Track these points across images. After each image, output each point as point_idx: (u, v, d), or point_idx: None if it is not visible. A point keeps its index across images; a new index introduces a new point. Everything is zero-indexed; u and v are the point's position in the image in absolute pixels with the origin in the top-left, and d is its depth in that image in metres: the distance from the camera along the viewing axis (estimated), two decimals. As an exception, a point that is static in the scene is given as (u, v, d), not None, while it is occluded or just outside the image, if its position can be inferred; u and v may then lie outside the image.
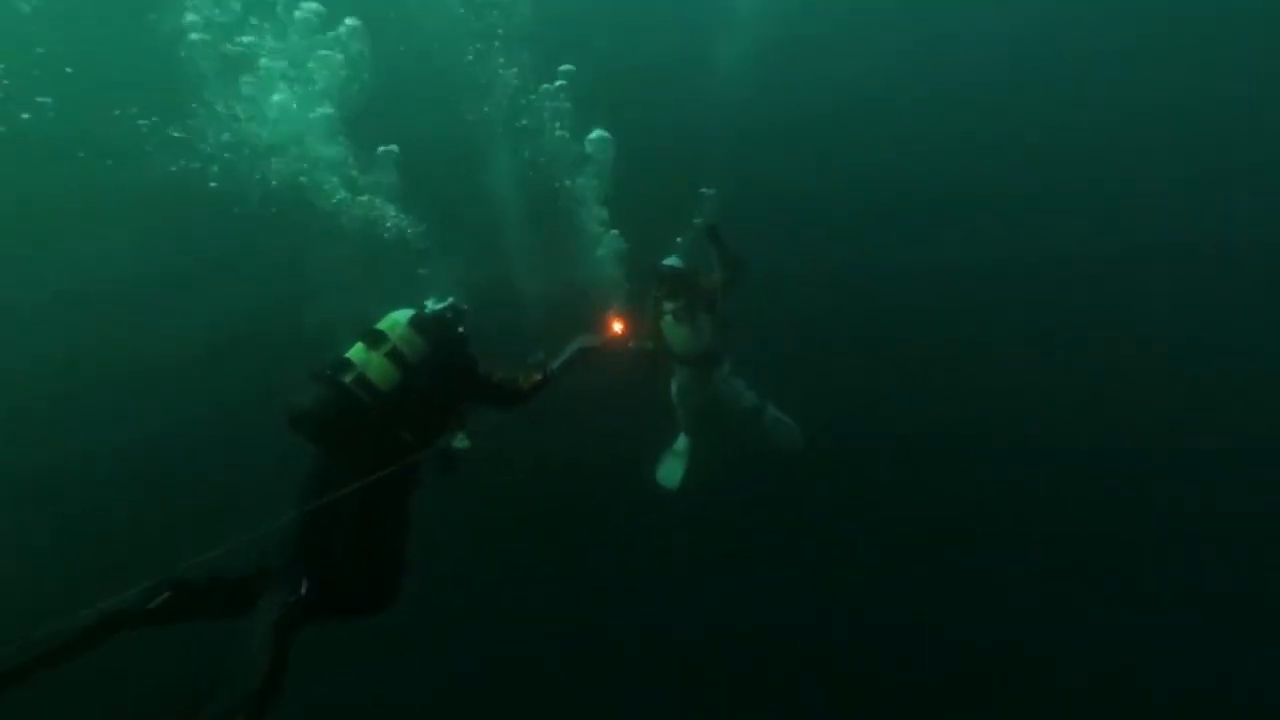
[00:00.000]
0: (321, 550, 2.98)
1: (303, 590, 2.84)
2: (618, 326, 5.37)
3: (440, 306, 3.53)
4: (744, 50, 8.59)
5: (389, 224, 6.49)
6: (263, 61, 5.59)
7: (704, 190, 6.16)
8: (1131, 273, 8.53)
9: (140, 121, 7.71)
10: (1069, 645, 6.01)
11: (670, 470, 6.02)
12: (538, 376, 3.90)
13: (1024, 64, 10.16)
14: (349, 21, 5.74)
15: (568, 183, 6.21)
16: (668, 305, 5.48)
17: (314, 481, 3.00)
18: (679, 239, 5.98)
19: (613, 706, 6.22)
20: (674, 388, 6.00)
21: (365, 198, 6.09)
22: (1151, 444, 7.10)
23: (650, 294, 5.57)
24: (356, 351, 3.16)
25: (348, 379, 3.04)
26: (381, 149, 5.71)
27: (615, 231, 6.01)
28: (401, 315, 3.30)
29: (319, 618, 2.90)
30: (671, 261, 5.56)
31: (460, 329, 3.54)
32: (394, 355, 3.14)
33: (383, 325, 3.26)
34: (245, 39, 5.69)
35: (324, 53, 5.72)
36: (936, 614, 6.36)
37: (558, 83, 6.53)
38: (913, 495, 7.20)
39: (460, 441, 3.46)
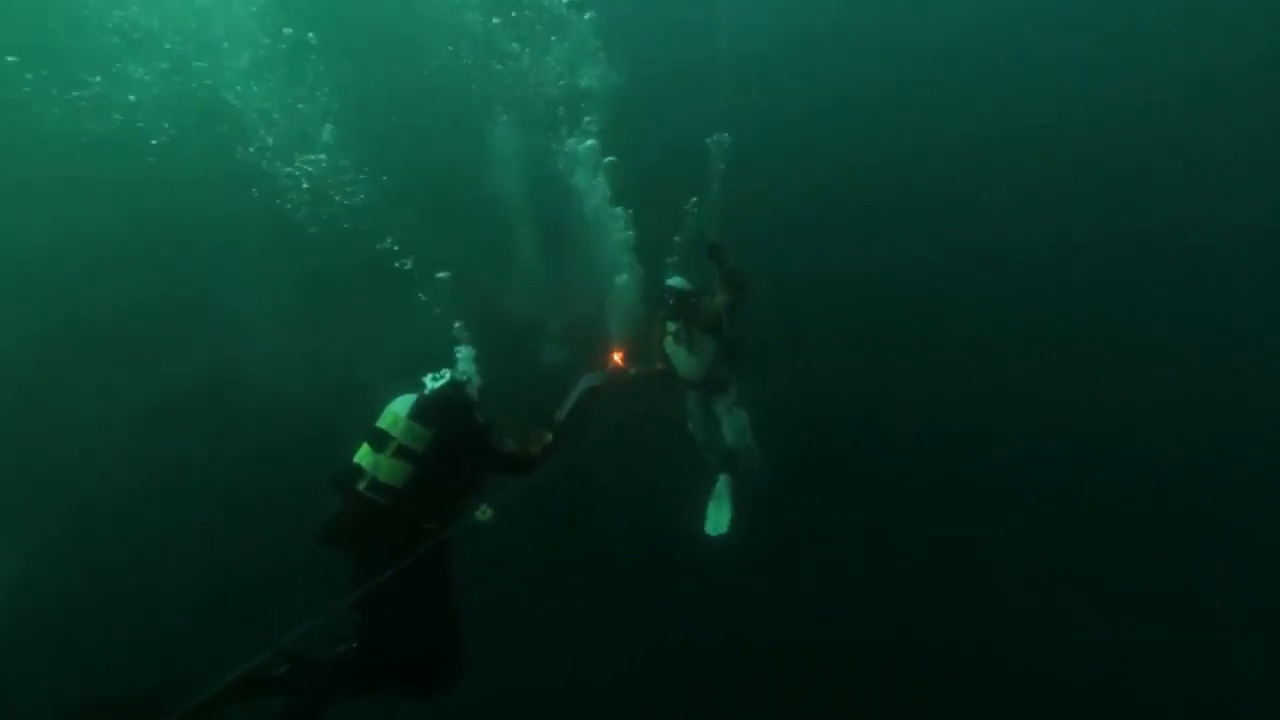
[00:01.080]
0: (377, 632, 3.14)
1: (354, 645, 3.10)
2: (618, 357, 5.15)
3: (439, 384, 3.47)
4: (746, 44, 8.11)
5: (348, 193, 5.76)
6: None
7: (710, 140, 5.67)
8: (1132, 269, 8.45)
9: (27, 77, 6.40)
10: (1068, 649, 6.05)
11: (717, 517, 5.62)
12: (548, 436, 3.85)
13: (1027, 58, 9.80)
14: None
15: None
16: (670, 326, 5.27)
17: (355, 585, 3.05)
18: (678, 237, 5.62)
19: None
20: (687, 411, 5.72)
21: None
22: (1151, 443, 7.11)
23: (656, 313, 5.34)
24: (364, 455, 3.18)
25: (361, 487, 3.09)
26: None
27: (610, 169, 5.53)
28: (401, 408, 3.26)
29: (375, 687, 3.10)
30: (676, 281, 5.30)
31: (464, 403, 3.50)
32: (401, 452, 3.14)
33: (383, 423, 3.24)
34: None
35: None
36: (937, 617, 6.29)
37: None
38: (913, 495, 7.08)
39: (483, 514, 3.42)
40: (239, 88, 5.91)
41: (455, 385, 3.49)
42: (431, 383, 3.45)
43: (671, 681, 6.29)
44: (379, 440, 3.16)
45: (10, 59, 6.54)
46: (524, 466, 3.68)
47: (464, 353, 3.77)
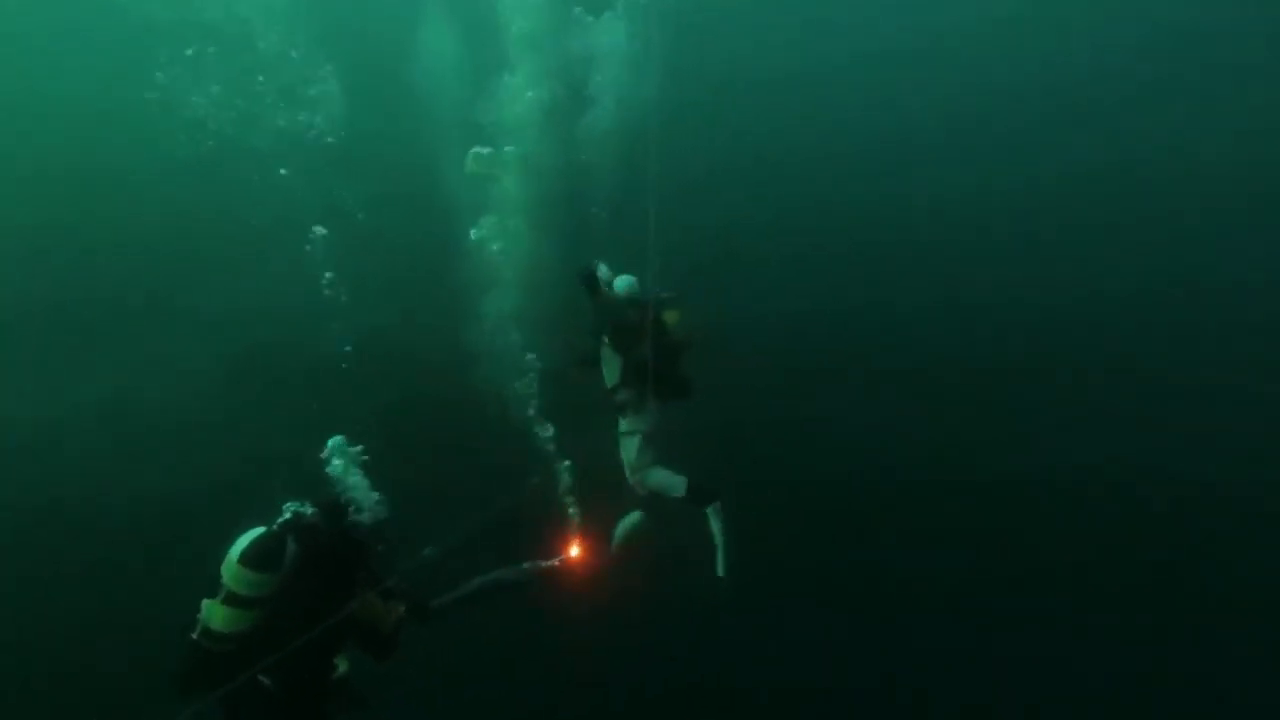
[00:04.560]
0: None
1: None
2: (575, 549, 4.55)
3: (280, 522, 3.06)
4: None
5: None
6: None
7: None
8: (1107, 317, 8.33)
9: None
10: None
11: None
12: (400, 609, 3.32)
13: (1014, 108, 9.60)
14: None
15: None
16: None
17: None
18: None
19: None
20: None
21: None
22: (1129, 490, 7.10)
23: None
24: (206, 601, 2.85)
25: (195, 634, 2.84)
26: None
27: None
28: (236, 549, 2.85)
29: None
30: (599, 269, 4.81)
31: (333, 545, 3.10)
32: (232, 600, 2.80)
33: (223, 565, 2.85)
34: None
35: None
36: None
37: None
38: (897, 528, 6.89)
39: (342, 664, 3.20)
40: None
41: (303, 520, 3.09)
42: (285, 515, 3.09)
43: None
44: (214, 585, 2.84)
45: None
46: (377, 647, 3.23)
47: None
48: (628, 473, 4.97)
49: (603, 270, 4.95)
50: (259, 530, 2.93)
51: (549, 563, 4.23)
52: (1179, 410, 7.50)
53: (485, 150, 5.14)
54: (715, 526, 5.04)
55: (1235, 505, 6.94)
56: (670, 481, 5.00)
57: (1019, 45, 9.50)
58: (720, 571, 5.04)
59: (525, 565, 3.99)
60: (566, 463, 5.25)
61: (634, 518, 5.22)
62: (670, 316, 4.76)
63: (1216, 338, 8.01)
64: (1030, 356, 8.14)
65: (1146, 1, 9.04)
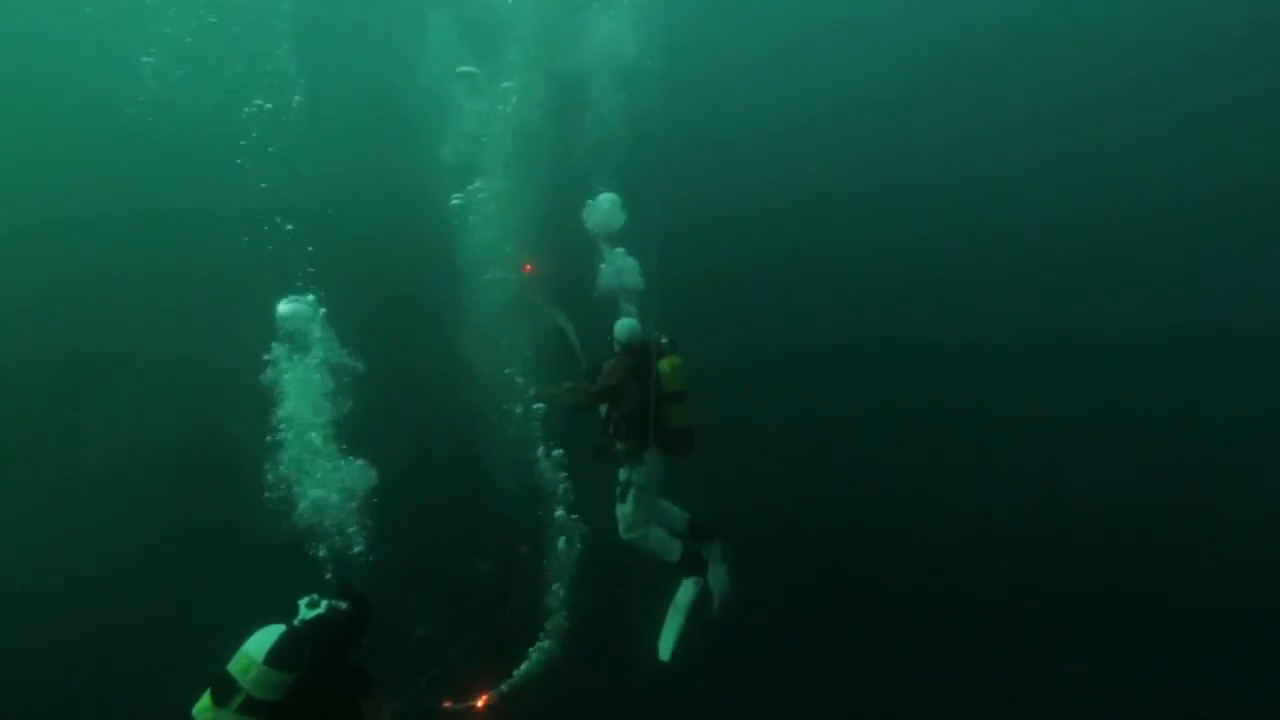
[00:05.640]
0: None
1: None
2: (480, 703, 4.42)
3: (314, 613, 2.89)
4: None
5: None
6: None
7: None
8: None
9: None
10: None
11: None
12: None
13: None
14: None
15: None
16: None
17: None
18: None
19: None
20: None
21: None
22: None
23: None
24: (202, 709, 2.58)
25: None
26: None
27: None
28: (258, 649, 2.61)
29: None
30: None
31: (341, 638, 2.92)
32: (250, 707, 2.55)
33: (235, 666, 2.60)
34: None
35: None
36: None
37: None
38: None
39: None
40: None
41: (335, 616, 2.92)
42: (306, 611, 2.87)
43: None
44: (223, 691, 2.55)
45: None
46: None
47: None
48: (621, 529, 4.71)
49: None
50: (274, 628, 2.71)
51: (455, 705, 4.25)
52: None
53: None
54: (684, 598, 4.82)
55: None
56: (665, 546, 4.76)
57: (1019, 85, 9.32)
58: (664, 655, 4.78)
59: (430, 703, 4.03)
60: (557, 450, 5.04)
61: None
62: (665, 365, 4.48)
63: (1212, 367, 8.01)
64: (1028, 388, 8.15)
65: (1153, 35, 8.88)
